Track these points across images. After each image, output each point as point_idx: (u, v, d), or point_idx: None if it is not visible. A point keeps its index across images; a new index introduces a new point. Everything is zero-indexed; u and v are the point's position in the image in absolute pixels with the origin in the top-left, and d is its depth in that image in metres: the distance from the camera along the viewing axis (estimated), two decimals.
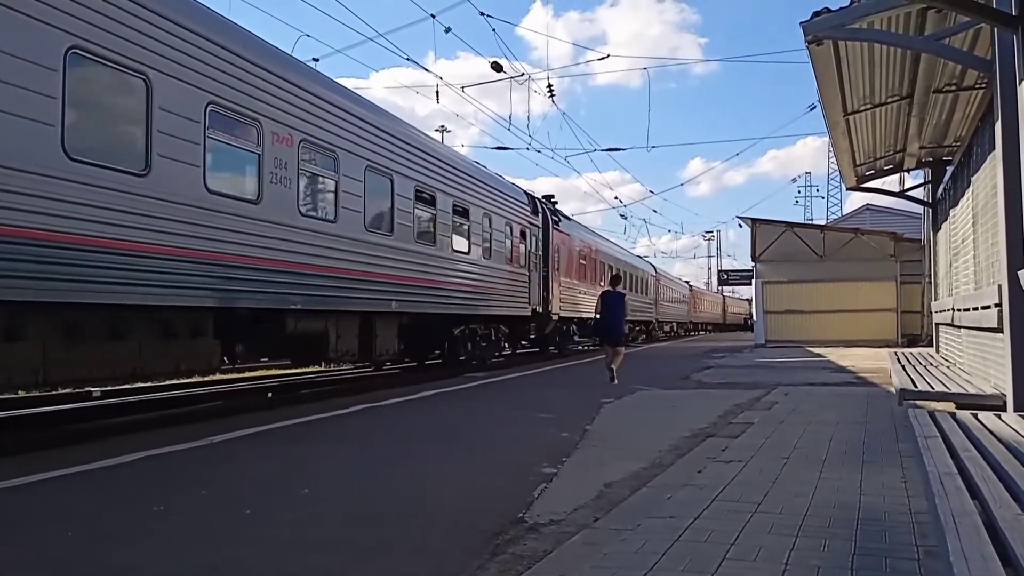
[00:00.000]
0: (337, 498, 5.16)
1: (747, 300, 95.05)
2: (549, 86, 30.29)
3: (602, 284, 27.82)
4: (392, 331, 13.51)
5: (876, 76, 10.67)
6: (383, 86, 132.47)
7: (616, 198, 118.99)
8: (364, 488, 5.50)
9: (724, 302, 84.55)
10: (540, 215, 22.43)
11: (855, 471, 5.65)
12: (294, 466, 6.26)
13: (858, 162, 15.86)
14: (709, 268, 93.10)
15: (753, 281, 30.58)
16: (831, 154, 45.42)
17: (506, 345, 21.31)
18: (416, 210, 13.75)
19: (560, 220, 25.03)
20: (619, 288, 14.81)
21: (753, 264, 30.17)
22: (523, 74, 27.50)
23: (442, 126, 53.21)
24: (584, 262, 27.74)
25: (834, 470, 5.69)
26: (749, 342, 31.44)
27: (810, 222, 56.46)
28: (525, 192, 22.05)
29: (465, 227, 16.20)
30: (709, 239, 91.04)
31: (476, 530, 4.30)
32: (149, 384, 13.88)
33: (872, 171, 17.35)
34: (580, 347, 28.13)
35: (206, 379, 14.07)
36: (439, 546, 4.10)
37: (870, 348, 23.82)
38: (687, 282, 64.22)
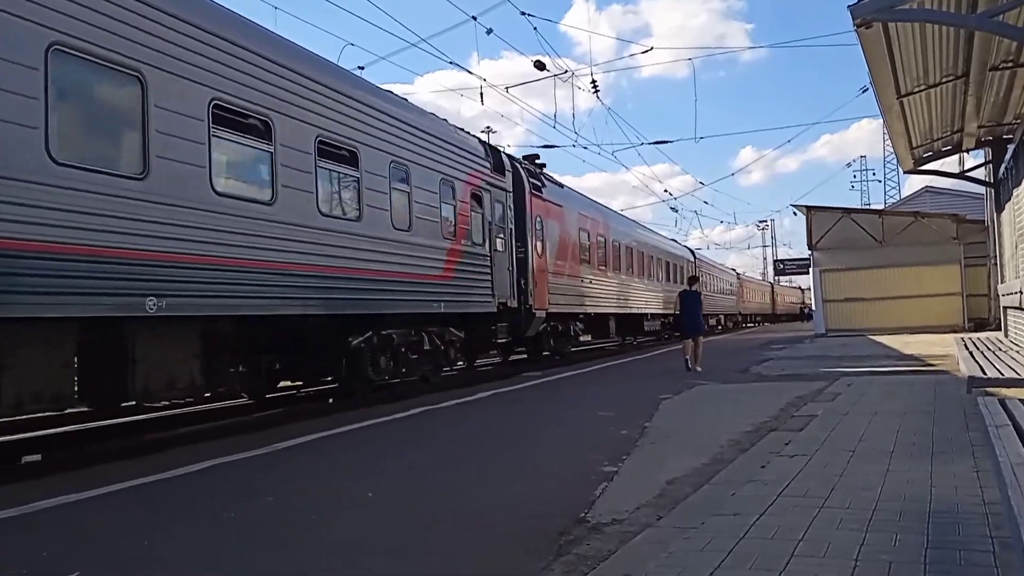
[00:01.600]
0: (400, 501, 5.23)
1: (799, 288, 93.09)
2: (593, 82, 30.33)
3: (617, 272, 24.68)
4: (184, 350, 8.40)
5: (929, 56, 10.44)
6: (428, 90, 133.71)
7: (666, 191, 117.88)
8: (426, 491, 5.56)
9: (774, 291, 79.91)
10: (509, 175, 16.44)
11: (924, 462, 5.53)
12: (357, 471, 6.36)
13: (915, 144, 15.53)
14: (765, 258, 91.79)
15: (811, 270, 30.06)
16: (887, 137, 44.38)
17: (458, 357, 15.24)
18: (220, 139, 8.41)
19: (544, 185, 19.04)
20: (695, 288, 16.59)
21: (810, 252, 29.67)
22: (567, 71, 27.51)
23: (487, 127, 53.37)
24: (589, 242, 21.97)
25: (902, 462, 5.58)
26: (808, 332, 30.90)
27: (867, 207, 55.38)
28: (481, 141, 16.07)
29: (352, 180, 10.78)
30: (763, 229, 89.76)
31: (539, 531, 4.32)
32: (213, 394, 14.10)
33: (930, 153, 16.96)
34: (581, 347, 23.31)
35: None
36: (503, 547, 4.13)
37: (935, 334, 23.25)
38: (735, 270, 58.97)
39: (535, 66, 22.62)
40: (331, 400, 12.87)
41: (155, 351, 8.02)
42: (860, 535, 3.84)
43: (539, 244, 17.84)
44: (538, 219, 17.92)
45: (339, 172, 10.60)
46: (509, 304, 15.77)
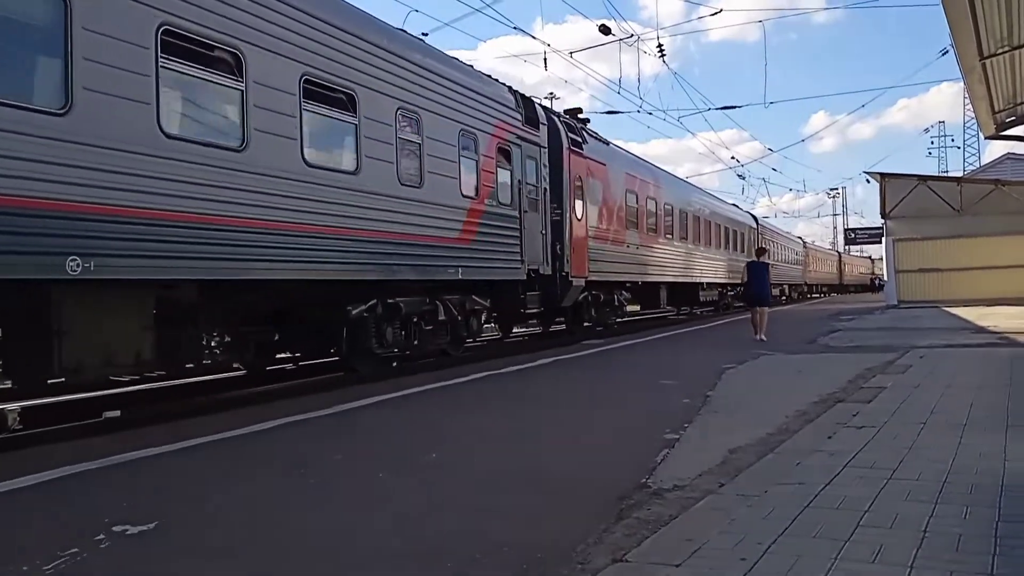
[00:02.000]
0: (462, 463, 5.31)
1: (869, 258, 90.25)
2: (659, 46, 29.70)
3: (669, 237, 23.17)
4: (128, 319, 7.28)
5: (1014, 16, 9.98)
6: (492, 56, 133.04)
7: (733, 158, 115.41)
8: (488, 453, 5.63)
9: (841, 260, 75.91)
10: (544, 129, 14.91)
11: (999, 436, 5.37)
12: (420, 433, 6.47)
13: (997, 109, 14.91)
14: (835, 227, 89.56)
15: (883, 239, 29.22)
16: (967, 101, 42.64)
17: (482, 327, 14.29)
18: (172, 71, 7.08)
19: (586, 141, 17.30)
20: (763, 259, 17.01)
21: (883, 221, 28.82)
22: (632, 35, 27.04)
23: (551, 93, 52.82)
24: (637, 205, 20.26)
25: (976, 435, 5.43)
26: (878, 304, 30.14)
27: (945, 175, 53.32)
28: (512, 90, 14.31)
29: (348, 127, 9.50)
30: (834, 197, 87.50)
31: (600, 495, 4.35)
32: (282, 356, 14.38)
33: (1013, 118, 16.28)
34: (624, 318, 21.66)
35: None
36: (564, 510, 4.16)
37: (1014, 307, 22.42)
38: (800, 238, 56.00)
39: (600, 30, 22.37)
40: (394, 364, 13.02)
41: (86, 320, 6.83)
42: (929, 507, 3.77)
43: (578, 205, 16.23)
44: (578, 178, 16.27)
45: (332, 117, 9.30)
46: (542, 271, 14.36)
